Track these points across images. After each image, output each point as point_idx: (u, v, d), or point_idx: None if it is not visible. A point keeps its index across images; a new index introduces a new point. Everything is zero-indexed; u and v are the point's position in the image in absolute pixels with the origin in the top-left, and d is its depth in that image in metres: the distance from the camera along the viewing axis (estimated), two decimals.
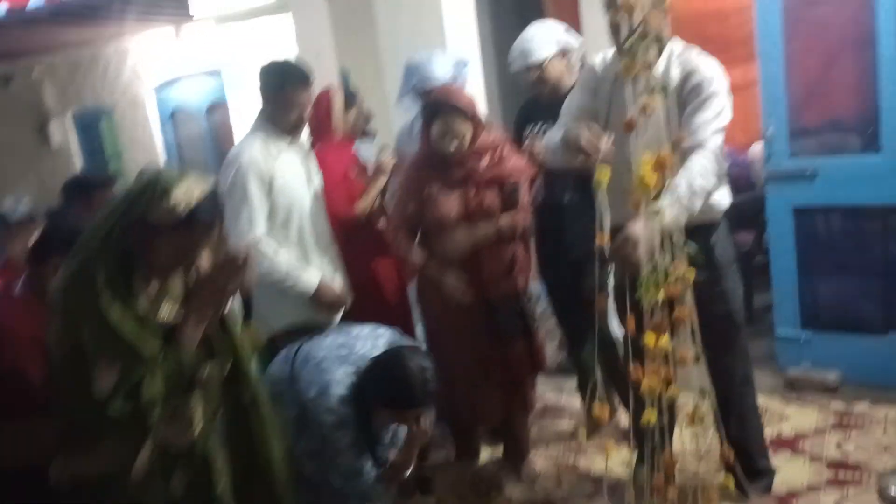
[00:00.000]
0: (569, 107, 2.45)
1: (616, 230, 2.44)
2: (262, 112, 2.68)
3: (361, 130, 3.13)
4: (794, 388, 3.35)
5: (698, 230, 2.12)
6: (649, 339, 1.90)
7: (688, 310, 1.91)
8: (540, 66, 2.91)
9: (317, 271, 2.67)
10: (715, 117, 2.18)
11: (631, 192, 1.94)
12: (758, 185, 4.20)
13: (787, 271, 3.39)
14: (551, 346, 3.74)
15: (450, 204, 2.67)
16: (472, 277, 2.68)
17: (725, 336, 2.33)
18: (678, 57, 2.27)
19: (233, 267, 1.66)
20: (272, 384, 2.10)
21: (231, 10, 4.17)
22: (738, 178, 4.68)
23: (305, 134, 2.88)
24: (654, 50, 1.81)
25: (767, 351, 3.55)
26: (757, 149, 4.21)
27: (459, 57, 3.14)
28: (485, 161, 2.69)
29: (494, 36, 7.30)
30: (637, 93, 1.83)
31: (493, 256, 2.71)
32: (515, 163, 2.75)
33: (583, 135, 2.02)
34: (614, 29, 2.17)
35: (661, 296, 1.91)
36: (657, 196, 1.86)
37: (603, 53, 2.42)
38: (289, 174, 2.65)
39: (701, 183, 2.06)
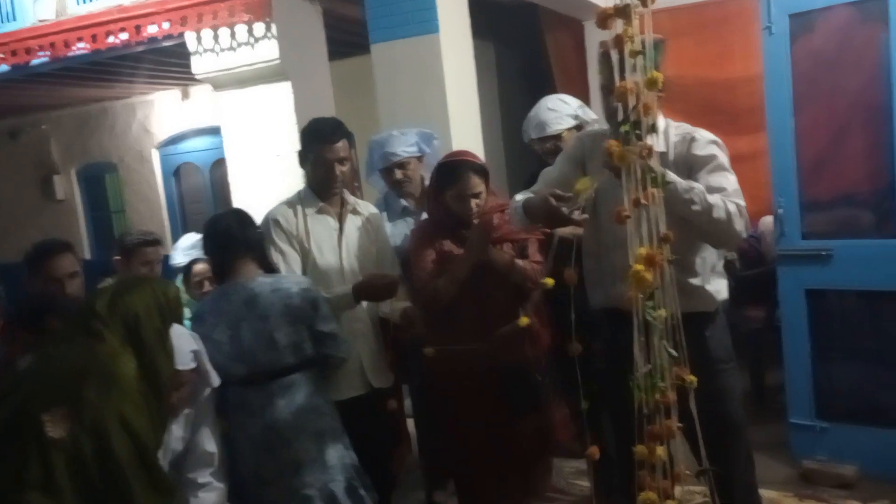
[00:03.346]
0: (549, 173, 2.35)
1: (602, 311, 2.30)
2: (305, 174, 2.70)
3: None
4: (809, 481, 3.15)
5: (691, 319, 1.91)
6: (645, 450, 1.72)
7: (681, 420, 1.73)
8: (555, 138, 2.98)
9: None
10: (735, 187, 2.08)
11: (624, 286, 1.78)
12: (768, 259, 4.04)
13: (800, 355, 3.21)
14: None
15: (463, 265, 2.55)
16: (482, 345, 2.52)
17: (723, 440, 2.06)
18: (675, 128, 2.19)
19: None
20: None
21: (230, 76, 4.13)
22: (748, 251, 4.52)
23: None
24: (650, 138, 1.68)
25: (781, 438, 3.35)
26: (767, 221, 4.07)
27: (423, 131, 3.11)
28: (494, 220, 2.58)
29: (502, 104, 7.33)
30: (631, 182, 1.69)
31: (506, 319, 2.56)
32: None
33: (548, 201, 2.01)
34: (610, 114, 2.07)
35: (657, 400, 1.74)
36: (651, 296, 1.70)
37: (594, 128, 2.33)
38: (316, 239, 2.60)
39: (714, 202, 1.97)
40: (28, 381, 1.71)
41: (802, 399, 3.23)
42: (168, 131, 7.45)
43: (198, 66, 4.22)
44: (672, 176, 1.93)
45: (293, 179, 3.76)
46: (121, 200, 7.95)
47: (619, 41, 1.66)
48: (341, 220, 2.64)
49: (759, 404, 3.99)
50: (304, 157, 2.62)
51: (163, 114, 7.42)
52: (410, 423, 3.30)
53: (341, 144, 2.56)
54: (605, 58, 2.07)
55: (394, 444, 2.88)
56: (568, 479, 3.44)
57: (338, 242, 2.62)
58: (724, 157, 2.13)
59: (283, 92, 4.06)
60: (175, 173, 7.65)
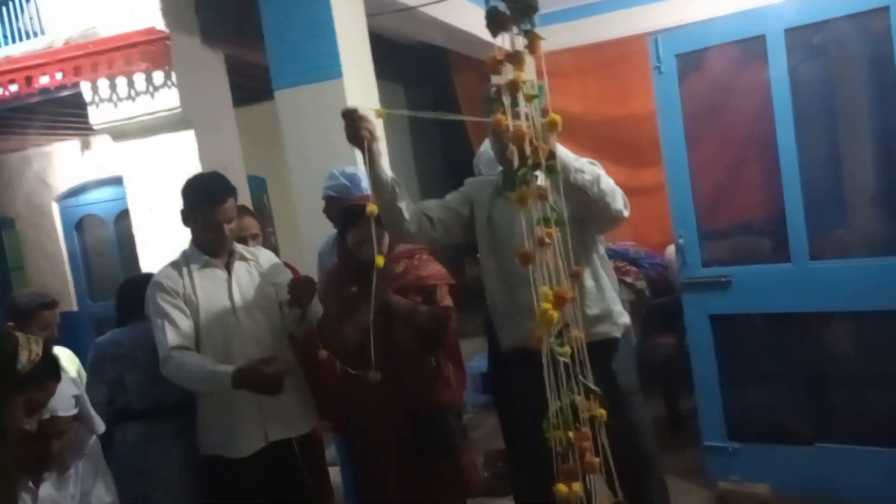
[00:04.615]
0: (437, 202, 2.42)
1: (513, 351, 2.31)
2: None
3: None
4: (726, 503, 3.21)
5: (597, 349, 1.91)
6: (560, 488, 1.71)
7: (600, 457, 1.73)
8: None
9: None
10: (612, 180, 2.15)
11: (532, 324, 1.79)
12: (676, 287, 4.18)
13: (709, 379, 3.31)
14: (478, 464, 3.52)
15: (367, 310, 2.51)
16: (392, 388, 2.48)
17: (636, 472, 2.08)
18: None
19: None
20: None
21: (129, 125, 4.02)
22: (657, 279, 4.67)
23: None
24: (548, 179, 1.71)
25: (696, 462, 3.43)
26: (672, 250, 4.22)
27: (357, 175, 3.07)
28: (400, 267, 2.61)
29: (414, 144, 7.40)
30: (530, 222, 1.71)
31: (414, 365, 2.56)
32: (433, 269, 2.69)
33: None
34: (500, 153, 2.11)
35: (570, 437, 1.74)
36: (559, 334, 1.71)
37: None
38: (204, 293, 2.49)
39: (601, 173, 2.07)
40: None
41: (714, 422, 3.32)
42: (68, 183, 7.16)
43: (95, 116, 4.08)
44: (561, 149, 1.97)
45: None
46: (20, 257, 7.53)
47: (513, 86, 1.69)
48: (229, 269, 2.56)
49: (675, 431, 4.08)
50: (189, 217, 2.52)
51: (62, 165, 7.13)
52: (335, 471, 3.21)
53: (229, 204, 2.48)
54: (498, 94, 2.11)
55: (315, 497, 2.78)
56: None
57: (228, 290, 2.53)
58: (600, 167, 2.18)
59: (186, 140, 3.97)
60: (77, 226, 7.34)
